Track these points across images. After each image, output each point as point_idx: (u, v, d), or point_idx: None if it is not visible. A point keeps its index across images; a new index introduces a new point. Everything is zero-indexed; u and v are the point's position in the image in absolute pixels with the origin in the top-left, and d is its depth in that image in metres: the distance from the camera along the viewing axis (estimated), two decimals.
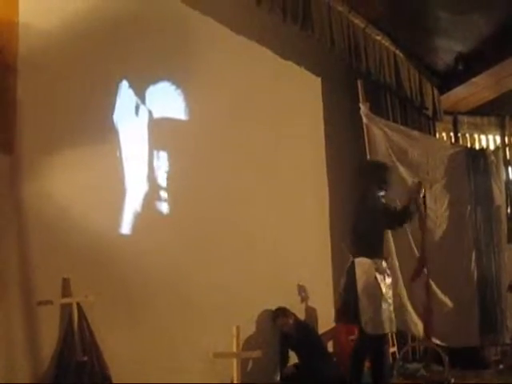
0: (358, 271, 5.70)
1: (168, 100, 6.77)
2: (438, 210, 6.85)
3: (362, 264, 5.69)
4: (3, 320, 5.06)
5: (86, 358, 5.36)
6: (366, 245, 5.75)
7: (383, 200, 5.91)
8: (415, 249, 6.73)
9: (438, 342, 6.74)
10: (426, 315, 6.44)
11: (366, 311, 5.61)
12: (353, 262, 5.76)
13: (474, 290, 7.05)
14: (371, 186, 5.92)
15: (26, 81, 5.32)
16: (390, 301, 5.73)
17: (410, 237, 6.74)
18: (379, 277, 5.64)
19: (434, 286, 6.75)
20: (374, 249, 5.73)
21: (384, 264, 5.76)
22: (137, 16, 6.32)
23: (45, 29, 5.54)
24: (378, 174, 6.02)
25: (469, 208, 7.17)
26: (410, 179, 6.58)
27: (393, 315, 5.72)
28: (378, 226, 5.80)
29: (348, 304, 5.78)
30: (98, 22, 5.97)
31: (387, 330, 5.74)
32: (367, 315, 5.61)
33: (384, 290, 5.64)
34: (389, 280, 5.77)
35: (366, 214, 5.84)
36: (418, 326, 6.70)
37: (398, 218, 5.91)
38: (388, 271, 5.79)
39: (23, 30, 5.32)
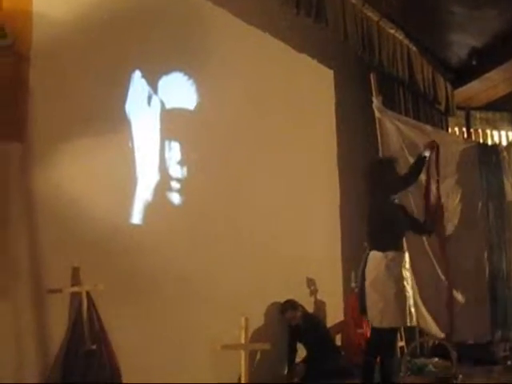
0: (369, 265, 5.67)
1: (180, 90, 6.78)
2: (450, 204, 6.80)
3: (374, 258, 5.66)
4: (13, 308, 5.09)
5: (94, 347, 5.39)
6: (379, 238, 5.70)
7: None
8: (427, 245, 6.71)
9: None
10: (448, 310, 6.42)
11: (375, 305, 5.59)
12: (367, 256, 5.75)
13: (485, 285, 7.02)
14: (382, 181, 5.90)
15: (39, 70, 5.33)
16: (409, 294, 5.66)
17: None
18: (393, 270, 5.58)
19: (445, 281, 6.74)
20: (387, 242, 5.66)
21: (403, 257, 5.69)
22: (150, 6, 6.31)
23: (58, 18, 5.55)
24: (388, 169, 6.00)
25: (480, 203, 7.13)
26: (421, 173, 6.53)
27: (412, 309, 5.66)
28: (391, 220, 5.76)
29: (359, 297, 5.78)
30: (111, 12, 5.98)
31: (398, 324, 5.70)
32: (376, 309, 5.59)
33: (397, 283, 5.58)
34: (407, 273, 5.70)
35: (377, 209, 5.82)
36: (427, 322, 6.67)
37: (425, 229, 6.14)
38: (407, 264, 5.73)
39: (37, 20, 5.33)
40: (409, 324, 5.72)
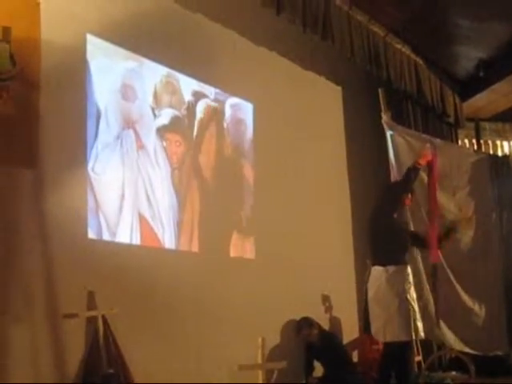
0: (371, 279, 5.66)
1: None
2: (463, 217, 6.79)
3: (375, 272, 5.64)
4: (29, 333, 5.09)
5: (111, 371, 5.37)
6: (380, 253, 5.69)
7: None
8: (442, 258, 6.68)
9: (465, 349, 6.68)
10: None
11: (377, 319, 5.55)
12: (369, 272, 5.74)
13: (502, 296, 6.99)
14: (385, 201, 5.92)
15: (48, 97, 5.36)
16: (413, 308, 5.61)
17: None
18: (395, 284, 5.54)
19: (462, 294, 6.71)
20: (388, 256, 5.64)
21: (406, 271, 5.65)
22: (157, 28, 6.36)
23: (67, 45, 5.59)
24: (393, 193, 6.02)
25: (494, 214, 7.14)
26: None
27: (418, 323, 5.61)
28: (392, 234, 5.73)
29: (364, 312, 5.77)
30: (118, 38, 6.03)
31: (402, 338, 5.63)
32: (378, 323, 5.55)
33: (400, 297, 5.53)
34: (410, 287, 5.65)
35: (378, 224, 5.80)
36: (446, 335, 6.63)
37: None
38: (410, 278, 5.67)
39: (45, 47, 5.36)
40: (414, 338, 5.66)
